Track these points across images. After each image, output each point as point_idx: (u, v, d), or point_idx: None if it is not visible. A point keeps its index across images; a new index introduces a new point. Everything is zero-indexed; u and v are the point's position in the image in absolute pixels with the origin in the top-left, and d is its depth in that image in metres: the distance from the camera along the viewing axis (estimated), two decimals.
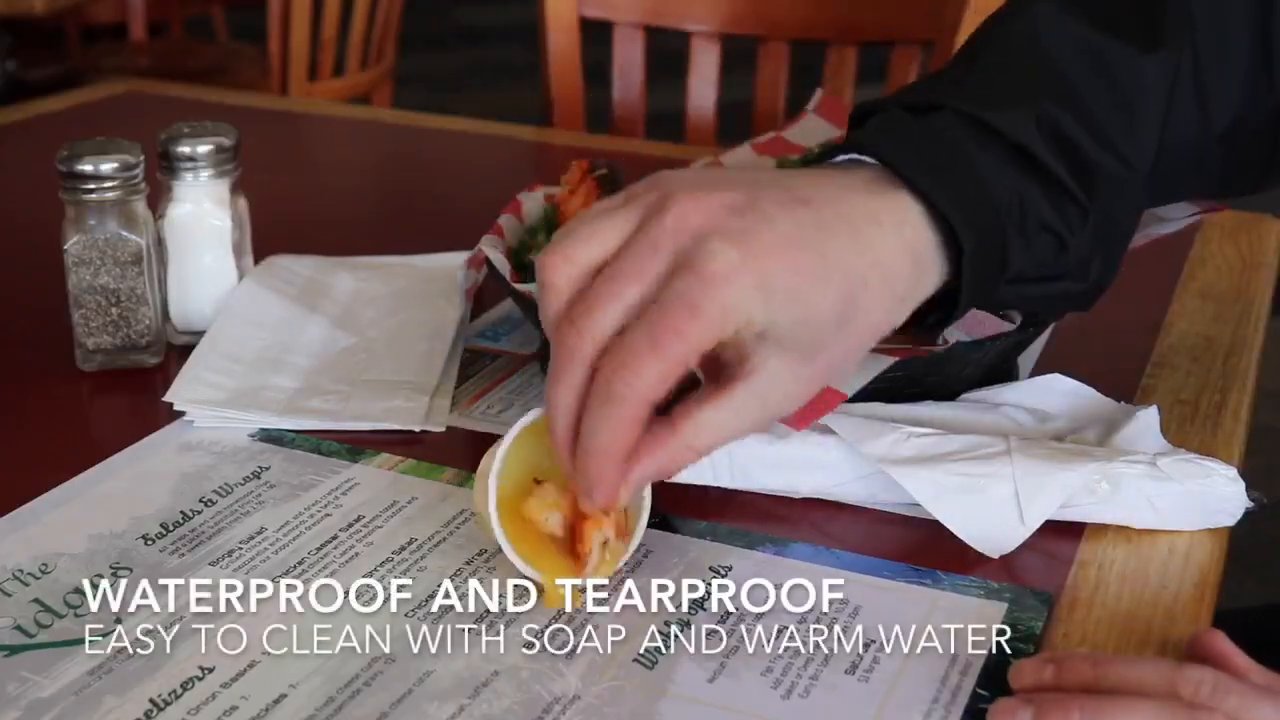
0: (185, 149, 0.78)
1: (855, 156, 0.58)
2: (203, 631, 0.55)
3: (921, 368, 0.66)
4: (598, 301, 0.51)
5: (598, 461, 0.51)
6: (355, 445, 0.69)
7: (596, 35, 1.48)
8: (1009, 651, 0.53)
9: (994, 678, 0.52)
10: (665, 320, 0.50)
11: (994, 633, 0.55)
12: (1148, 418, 0.66)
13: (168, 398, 0.72)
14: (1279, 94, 0.64)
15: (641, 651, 0.53)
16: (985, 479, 0.60)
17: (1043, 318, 0.69)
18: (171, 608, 0.56)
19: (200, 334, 0.79)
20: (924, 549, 0.60)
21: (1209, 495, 0.61)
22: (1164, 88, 0.61)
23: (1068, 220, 0.59)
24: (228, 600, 0.57)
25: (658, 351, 0.50)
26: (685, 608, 0.56)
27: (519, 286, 0.70)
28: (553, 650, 0.53)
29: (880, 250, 0.54)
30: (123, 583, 0.58)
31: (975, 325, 0.66)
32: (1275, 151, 0.66)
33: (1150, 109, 0.61)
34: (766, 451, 0.63)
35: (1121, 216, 0.62)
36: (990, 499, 0.60)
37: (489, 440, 0.70)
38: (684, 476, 0.63)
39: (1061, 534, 0.61)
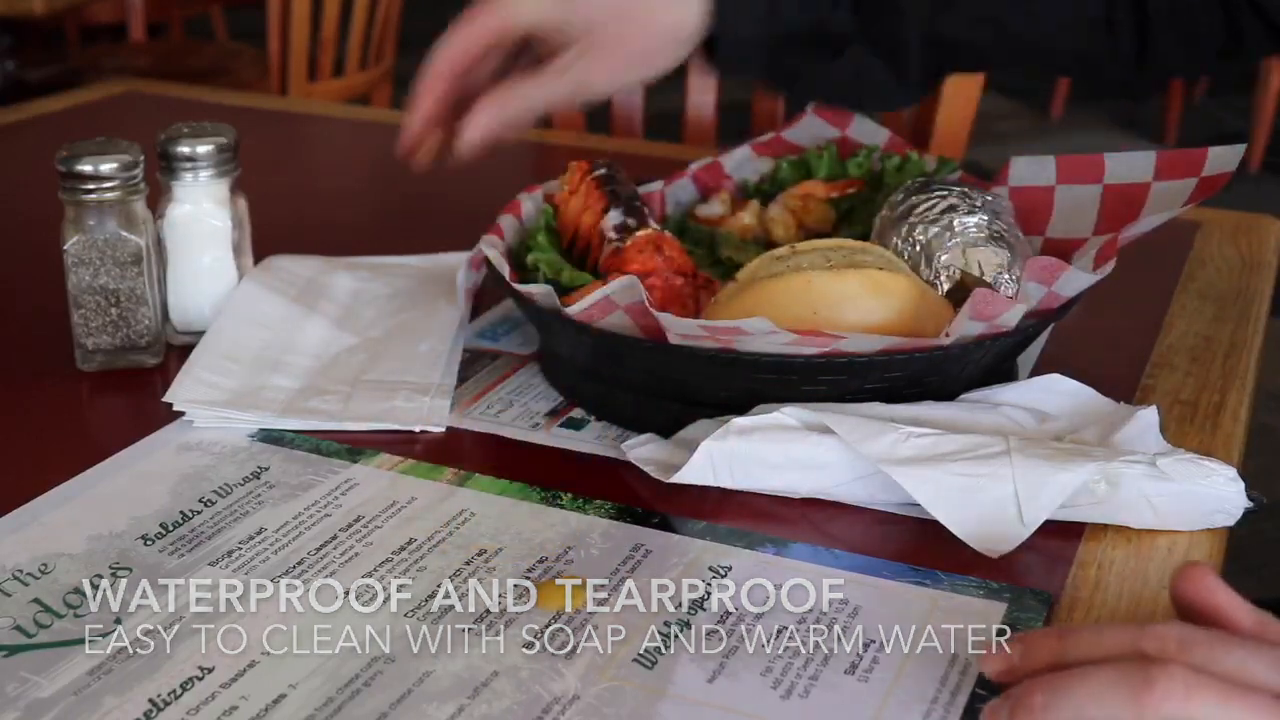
0: (185, 149, 0.78)
1: None
2: (202, 632, 0.55)
3: (921, 368, 0.67)
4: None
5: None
6: (355, 445, 0.69)
7: None
8: (1009, 652, 0.53)
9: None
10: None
11: (994, 632, 0.54)
12: (1147, 418, 0.66)
13: (167, 398, 0.72)
14: None
15: (641, 651, 0.53)
16: (985, 479, 0.60)
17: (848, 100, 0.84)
18: (171, 608, 0.56)
19: (200, 334, 0.79)
20: (924, 549, 0.60)
21: (1208, 495, 0.61)
22: None
23: (828, 4, 0.74)
24: (227, 600, 0.57)
25: (452, 31, 0.73)
26: (685, 608, 0.56)
27: (519, 287, 0.70)
28: (552, 650, 0.53)
29: None
30: (122, 583, 0.58)
31: (983, 307, 0.65)
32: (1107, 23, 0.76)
33: None
34: (767, 451, 0.63)
35: (892, 25, 0.74)
36: (990, 499, 0.60)
37: (489, 440, 0.70)
38: (683, 476, 0.63)
39: (1061, 534, 0.61)
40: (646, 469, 0.65)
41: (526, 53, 0.76)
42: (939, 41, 0.76)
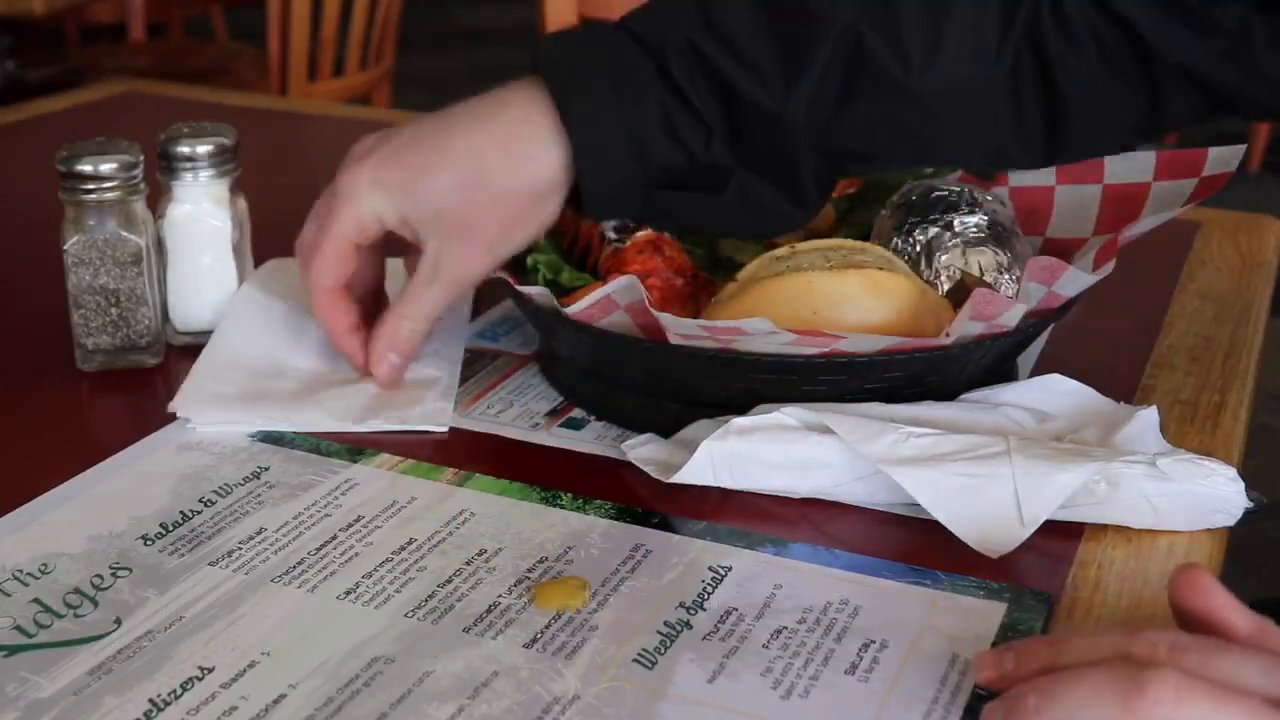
0: (185, 149, 0.78)
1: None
2: (202, 632, 0.55)
3: (921, 368, 0.67)
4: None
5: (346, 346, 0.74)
6: (355, 445, 0.69)
7: None
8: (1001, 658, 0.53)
9: None
10: (310, 243, 0.72)
11: (994, 633, 0.54)
12: (1147, 418, 0.66)
13: (172, 408, 0.71)
14: (995, 71, 0.67)
15: (641, 652, 0.53)
16: (985, 479, 0.60)
17: (722, 231, 0.77)
18: (171, 608, 0.56)
19: (200, 334, 0.79)
20: (924, 549, 0.60)
21: (1209, 495, 0.61)
22: (837, 27, 0.66)
23: (695, 134, 0.68)
24: (227, 601, 0.57)
25: (317, 248, 0.71)
26: (685, 608, 0.56)
27: (519, 288, 0.70)
28: (552, 650, 0.53)
29: (500, 125, 0.69)
30: (123, 583, 0.58)
31: (984, 307, 0.65)
32: (1016, 116, 0.69)
33: (819, 46, 0.66)
34: (767, 451, 0.63)
35: (781, 148, 0.68)
36: (989, 499, 0.60)
37: (489, 440, 0.70)
38: (683, 476, 0.63)
39: (1061, 534, 0.61)
40: (646, 469, 0.65)
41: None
42: (830, 153, 0.69)
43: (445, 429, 0.71)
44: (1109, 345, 0.81)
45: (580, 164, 0.67)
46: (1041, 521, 0.59)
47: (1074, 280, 0.68)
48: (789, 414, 0.64)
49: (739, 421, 0.63)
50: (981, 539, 0.59)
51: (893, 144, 0.70)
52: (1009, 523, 0.59)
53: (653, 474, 0.65)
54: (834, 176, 0.72)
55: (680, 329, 0.65)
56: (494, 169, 0.68)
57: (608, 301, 0.65)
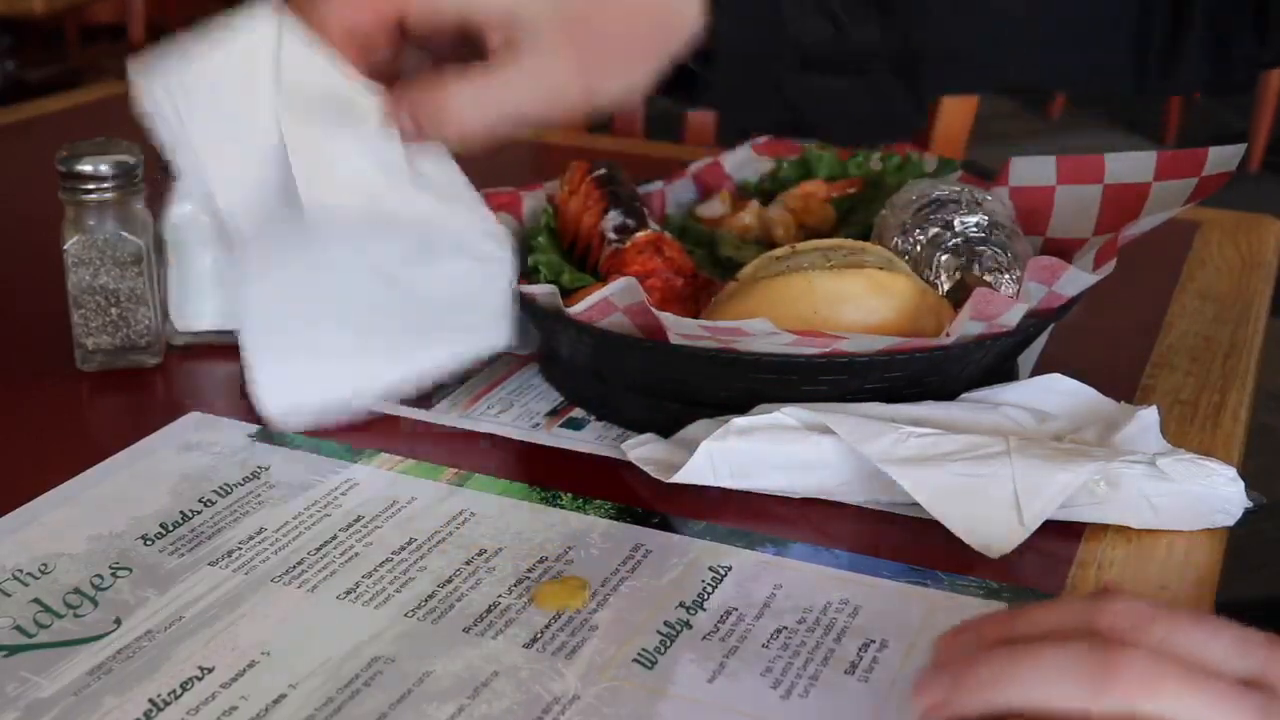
0: None
1: None
2: (202, 632, 0.55)
3: (922, 368, 0.66)
4: None
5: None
6: (355, 445, 0.69)
7: None
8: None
9: None
10: None
11: None
12: (1147, 418, 0.66)
13: (268, 414, 0.69)
14: None
15: (641, 651, 0.53)
16: (984, 479, 0.60)
17: (846, 135, 0.71)
18: (171, 608, 0.56)
19: (200, 334, 0.79)
20: (924, 549, 0.60)
21: (1209, 496, 0.61)
22: None
23: (850, 9, 0.61)
24: (227, 600, 0.57)
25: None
26: (685, 608, 0.56)
27: (519, 288, 0.70)
28: (552, 650, 0.53)
29: None
30: (123, 583, 0.58)
31: (984, 306, 0.65)
32: (1138, 36, 0.65)
33: None
34: (767, 451, 0.63)
35: (911, 30, 0.62)
36: (989, 499, 0.60)
37: (489, 440, 0.70)
38: (683, 476, 0.63)
39: (1061, 534, 0.61)
40: (646, 469, 0.65)
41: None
42: (951, 56, 0.64)
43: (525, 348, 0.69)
44: (1109, 345, 0.81)
45: (719, 25, 0.59)
46: (1041, 521, 0.59)
47: (1074, 280, 0.68)
48: (789, 414, 0.64)
49: (739, 421, 0.63)
50: (981, 539, 0.59)
51: (1019, 49, 0.65)
52: (1009, 523, 0.59)
53: (653, 474, 0.65)
54: (942, 89, 0.69)
55: (681, 329, 0.65)
56: None
57: (607, 303, 0.65)
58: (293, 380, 0.69)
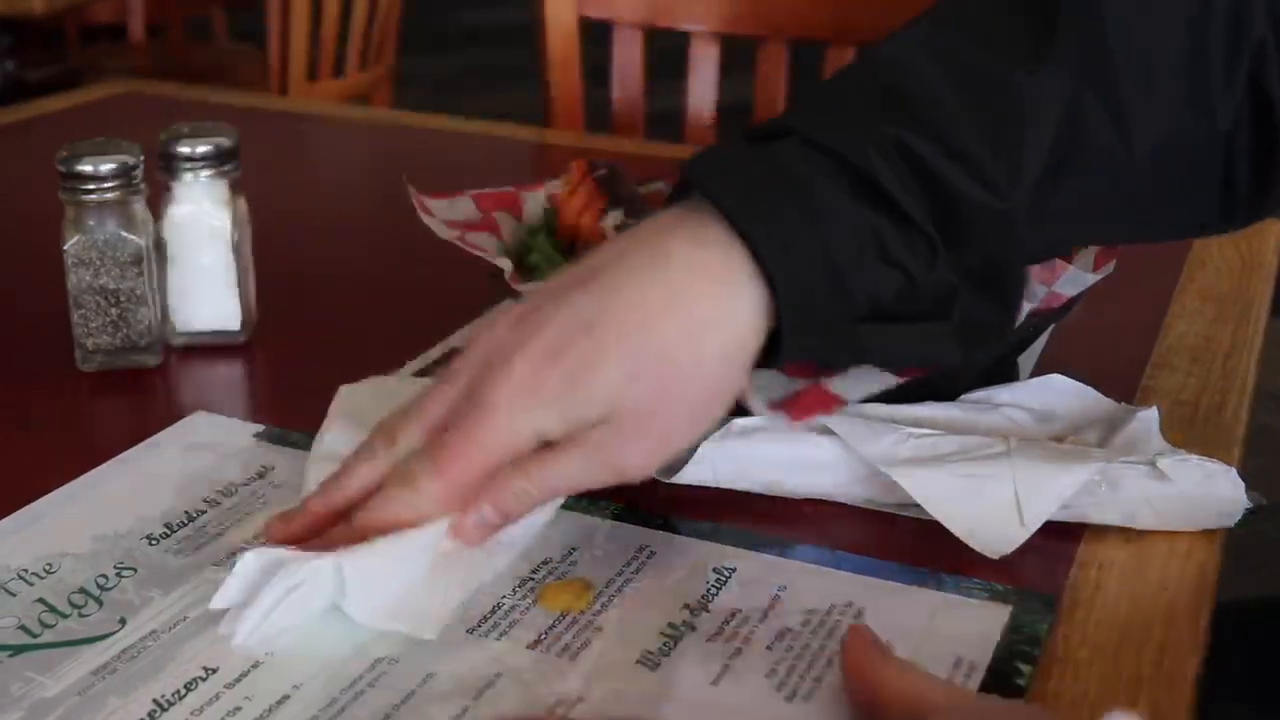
0: (185, 149, 0.78)
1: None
2: (206, 632, 0.55)
3: None
4: (403, 422, 0.57)
5: (358, 532, 0.55)
6: None
7: (596, 35, 1.49)
8: (1013, 654, 0.53)
9: (998, 680, 0.52)
10: (448, 446, 0.55)
11: (998, 635, 0.55)
12: (1148, 418, 0.66)
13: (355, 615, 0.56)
14: (1218, 123, 0.60)
15: (645, 653, 0.53)
16: (985, 480, 0.60)
17: (933, 366, 0.64)
18: (175, 608, 0.56)
19: (199, 334, 0.80)
20: (928, 551, 0.60)
21: (1209, 496, 0.61)
22: (1052, 108, 0.57)
23: (915, 252, 0.57)
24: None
25: (440, 474, 0.55)
26: (689, 610, 0.56)
27: (519, 288, 0.70)
28: (556, 651, 0.53)
29: (669, 284, 0.56)
30: (127, 583, 0.58)
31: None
32: (1225, 179, 0.62)
33: (1032, 130, 0.57)
34: (767, 452, 0.63)
35: (999, 251, 0.60)
36: (990, 500, 0.60)
37: None
38: (684, 477, 0.63)
39: (1061, 534, 0.61)
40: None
41: None
42: (1037, 242, 0.61)
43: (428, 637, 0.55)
44: (1109, 345, 0.82)
45: (784, 306, 0.56)
46: (1042, 522, 0.59)
47: (1074, 280, 0.68)
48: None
49: (740, 422, 0.63)
50: (982, 540, 0.59)
51: (1103, 221, 0.62)
52: (1009, 524, 0.59)
53: (653, 474, 0.65)
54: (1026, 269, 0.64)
55: None
56: (676, 345, 0.56)
57: None
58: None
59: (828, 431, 0.63)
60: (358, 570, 0.54)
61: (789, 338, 0.57)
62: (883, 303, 0.58)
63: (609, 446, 0.56)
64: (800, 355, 0.59)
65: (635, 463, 0.57)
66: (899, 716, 0.47)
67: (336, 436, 0.64)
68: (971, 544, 0.59)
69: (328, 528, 0.57)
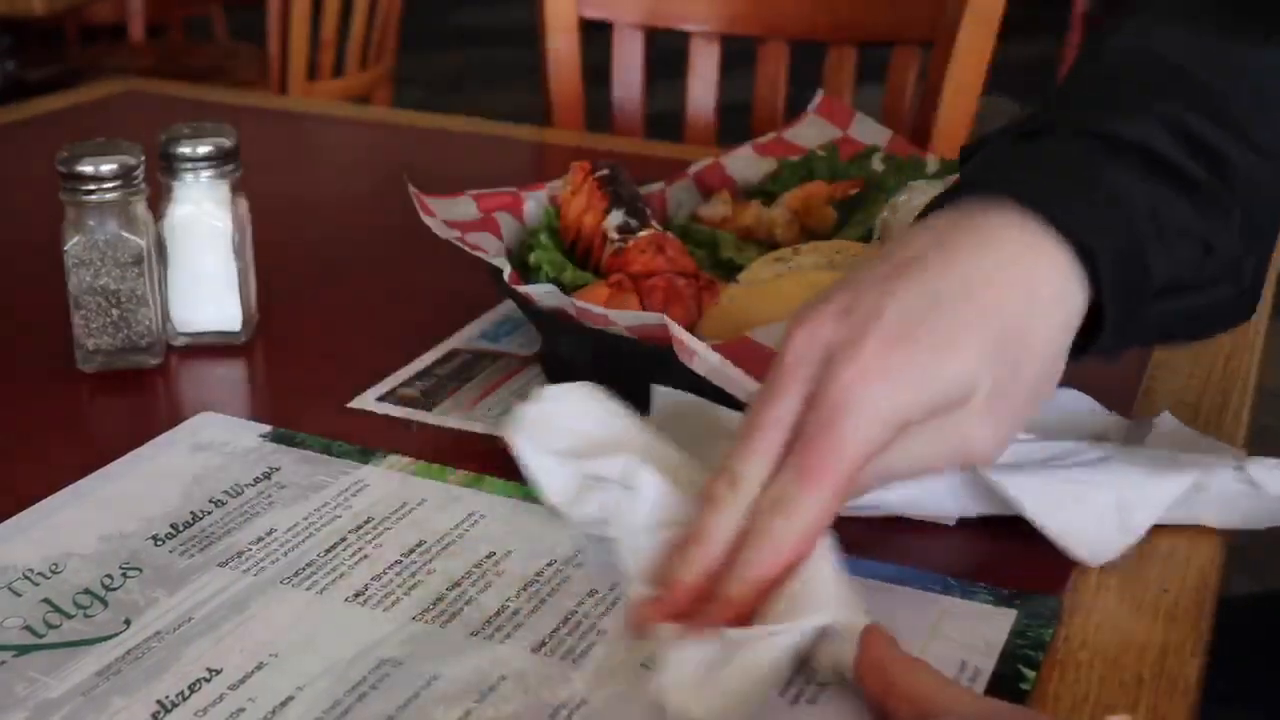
0: (185, 150, 0.78)
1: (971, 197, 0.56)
2: (211, 633, 0.55)
3: None
4: (742, 456, 0.53)
5: (753, 585, 0.51)
6: (366, 446, 0.69)
7: (596, 35, 1.49)
8: (1017, 659, 0.53)
9: (1003, 685, 0.52)
10: (814, 453, 0.51)
11: (1003, 640, 0.54)
12: (1168, 422, 0.66)
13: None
14: None
15: (649, 656, 0.53)
16: (1087, 486, 0.59)
17: (1203, 335, 0.64)
18: (180, 609, 0.56)
19: (200, 334, 0.80)
20: (933, 555, 0.60)
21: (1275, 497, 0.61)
22: None
23: (1209, 220, 0.57)
24: (236, 602, 0.57)
25: (814, 487, 0.51)
26: None
27: (519, 288, 0.70)
28: (560, 654, 0.54)
29: (1001, 260, 0.54)
30: (132, 583, 0.58)
31: None
32: None
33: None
34: None
35: (1263, 211, 0.59)
36: (1092, 507, 0.59)
37: (499, 443, 0.69)
38: None
39: None
40: None
41: None
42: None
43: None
44: None
45: (1107, 280, 0.54)
46: (1147, 529, 0.59)
47: None
48: None
49: None
50: (1078, 546, 0.59)
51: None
52: (1111, 531, 0.59)
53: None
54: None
55: (708, 361, 0.62)
56: (1029, 322, 0.54)
57: (607, 320, 0.65)
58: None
59: None
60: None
61: (1114, 319, 0.55)
62: (1179, 277, 0.57)
63: (960, 428, 0.53)
64: (1124, 332, 0.57)
65: (983, 447, 0.54)
66: (907, 716, 0.47)
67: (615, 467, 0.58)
68: (1069, 550, 0.59)
69: (704, 600, 0.52)
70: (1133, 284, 0.55)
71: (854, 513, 0.60)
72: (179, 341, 0.81)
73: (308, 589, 0.58)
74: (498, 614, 0.56)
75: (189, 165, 0.78)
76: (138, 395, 0.76)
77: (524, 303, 0.71)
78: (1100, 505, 0.59)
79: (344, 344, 0.83)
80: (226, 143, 0.79)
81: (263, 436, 0.70)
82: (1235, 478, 0.61)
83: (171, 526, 0.62)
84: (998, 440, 0.54)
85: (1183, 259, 0.57)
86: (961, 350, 0.52)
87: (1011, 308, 0.53)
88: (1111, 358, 0.58)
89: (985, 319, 0.53)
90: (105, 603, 0.57)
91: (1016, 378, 0.53)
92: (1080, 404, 0.69)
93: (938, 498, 0.61)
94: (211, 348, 0.81)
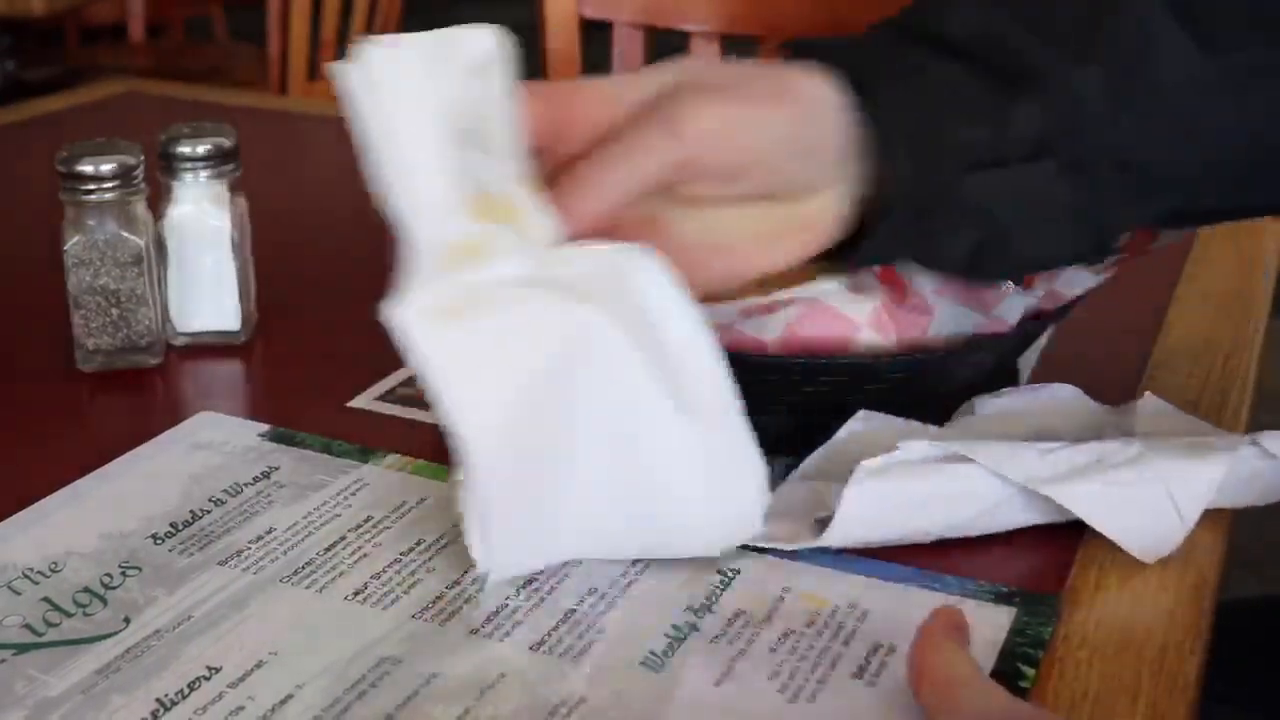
0: (185, 149, 0.78)
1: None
2: (210, 631, 0.55)
3: (920, 367, 0.66)
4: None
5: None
6: (366, 445, 0.69)
7: (596, 35, 1.49)
8: (1016, 656, 0.54)
9: (1002, 683, 0.52)
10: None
11: (1002, 637, 0.55)
12: (1156, 403, 0.66)
13: (484, 567, 0.57)
14: None
15: (648, 654, 0.54)
16: (1135, 485, 0.59)
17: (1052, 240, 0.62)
18: (180, 607, 0.56)
19: (199, 334, 0.80)
20: (932, 553, 0.60)
21: None
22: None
23: (997, 96, 0.58)
24: (236, 600, 0.57)
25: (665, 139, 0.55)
26: (693, 610, 0.56)
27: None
28: (559, 653, 0.54)
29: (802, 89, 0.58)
30: (132, 582, 0.58)
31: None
32: None
33: (1112, 20, 0.59)
34: (912, 489, 0.59)
35: (1072, 123, 0.59)
36: (1146, 503, 0.59)
37: None
38: (832, 538, 0.58)
39: (1062, 535, 0.61)
40: (775, 545, 0.59)
41: None
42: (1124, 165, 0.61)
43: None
44: (1109, 345, 0.82)
45: (884, 150, 0.58)
46: (1199, 515, 0.59)
47: (1075, 280, 0.68)
48: (910, 449, 0.60)
49: (868, 464, 0.59)
50: (1141, 544, 0.59)
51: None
52: (1168, 522, 0.59)
53: (784, 549, 0.59)
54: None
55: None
56: (808, 111, 0.57)
57: None
58: (516, 533, 0.57)
59: (965, 460, 0.59)
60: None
61: (890, 179, 0.58)
62: (979, 153, 0.58)
63: (670, 111, 0.56)
64: (908, 202, 0.58)
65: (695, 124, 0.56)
66: (927, 694, 0.48)
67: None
68: (1130, 549, 0.59)
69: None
70: (921, 135, 0.58)
71: (934, 537, 0.60)
72: (178, 341, 0.81)
73: (307, 587, 0.58)
74: (497, 612, 0.56)
75: (188, 165, 0.78)
76: (137, 395, 0.76)
77: None
78: (1153, 500, 0.59)
79: (344, 343, 0.83)
80: (226, 143, 0.79)
81: (262, 436, 0.70)
82: (1254, 454, 0.61)
83: (171, 525, 0.62)
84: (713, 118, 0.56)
85: (979, 131, 0.58)
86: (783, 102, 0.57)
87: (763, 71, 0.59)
88: (937, 244, 0.60)
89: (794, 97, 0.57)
90: (105, 601, 0.57)
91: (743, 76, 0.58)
92: (1078, 402, 0.69)
93: (1009, 513, 0.60)
94: (211, 347, 0.81)
